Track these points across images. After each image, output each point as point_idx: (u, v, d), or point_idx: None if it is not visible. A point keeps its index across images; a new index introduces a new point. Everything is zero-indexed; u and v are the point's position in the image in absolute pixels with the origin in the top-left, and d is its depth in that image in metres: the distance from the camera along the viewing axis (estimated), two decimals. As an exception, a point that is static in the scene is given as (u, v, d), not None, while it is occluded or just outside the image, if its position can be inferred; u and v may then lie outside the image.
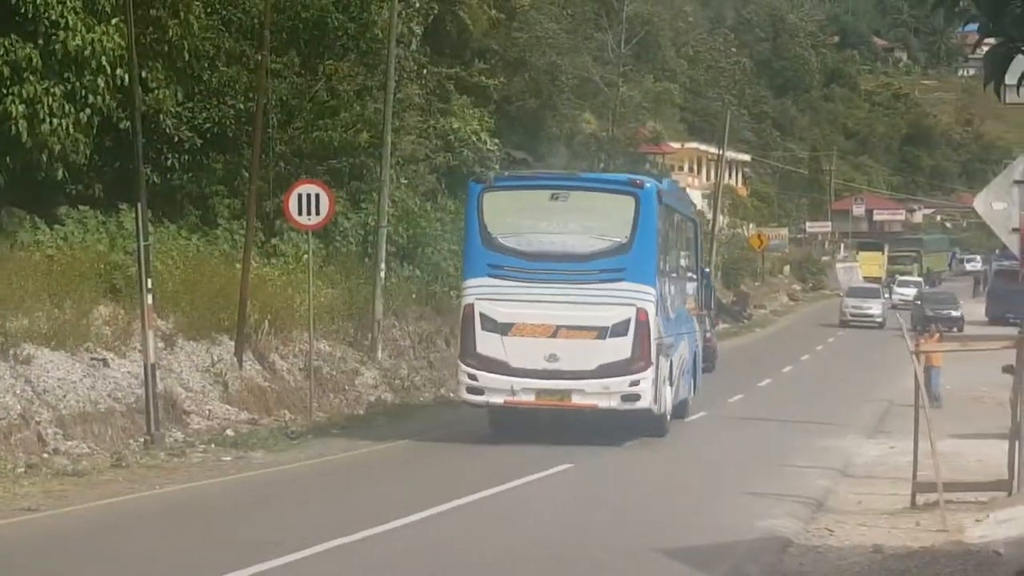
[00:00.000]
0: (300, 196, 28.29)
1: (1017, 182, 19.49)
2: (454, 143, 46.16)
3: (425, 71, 43.53)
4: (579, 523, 17.60)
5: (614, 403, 25.06)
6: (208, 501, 19.13)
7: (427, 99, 44.70)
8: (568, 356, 24.82)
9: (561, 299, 24.86)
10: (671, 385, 27.30)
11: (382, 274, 34.21)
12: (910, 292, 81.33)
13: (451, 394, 34.44)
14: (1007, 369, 23.00)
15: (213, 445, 24.18)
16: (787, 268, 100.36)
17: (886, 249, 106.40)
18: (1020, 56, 8.20)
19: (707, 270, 34.91)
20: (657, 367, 25.42)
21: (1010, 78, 8.55)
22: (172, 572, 13.91)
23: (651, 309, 25.09)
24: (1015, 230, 18.98)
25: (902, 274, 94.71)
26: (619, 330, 24.87)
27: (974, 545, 15.95)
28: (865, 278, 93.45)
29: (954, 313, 64.10)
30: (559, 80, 60.17)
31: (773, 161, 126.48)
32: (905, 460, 20.44)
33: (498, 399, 25.22)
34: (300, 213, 28.29)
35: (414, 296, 37.03)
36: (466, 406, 26.29)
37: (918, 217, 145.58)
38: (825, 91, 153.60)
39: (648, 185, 25.73)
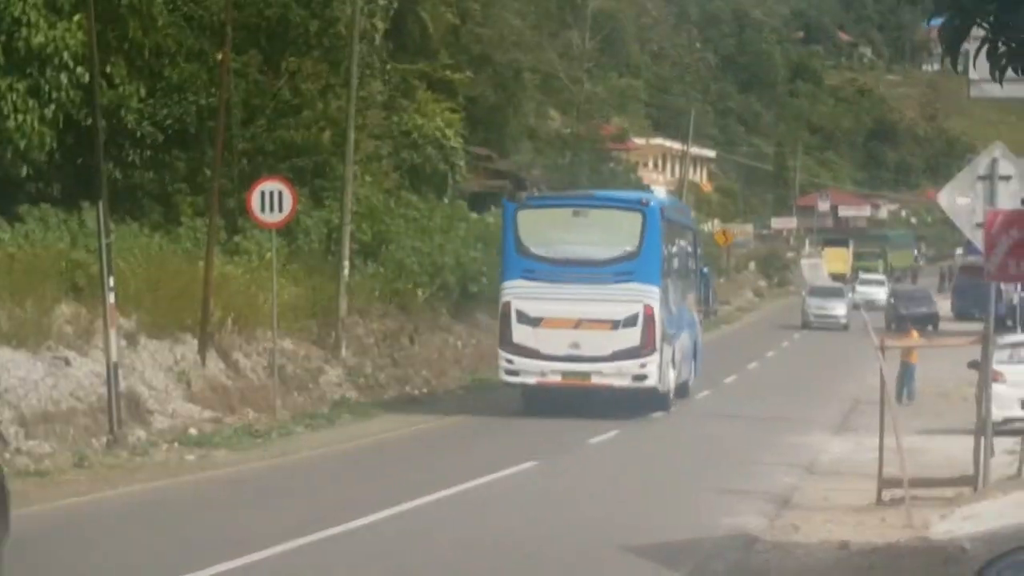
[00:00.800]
0: (263, 193, 28.16)
1: (981, 177, 19.51)
2: (418, 140, 46.03)
3: (388, 67, 43.35)
4: (547, 520, 17.54)
5: (626, 382, 29.52)
6: (171, 501, 19.01)
7: (391, 96, 44.53)
8: (588, 344, 29.35)
9: (582, 297, 29.38)
10: (674, 368, 31.69)
11: (346, 272, 34.06)
12: (872, 291, 79.00)
13: (416, 391, 34.42)
14: (972, 365, 23.07)
15: (176, 444, 24.03)
16: (752, 264, 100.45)
17: (851, 245, 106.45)
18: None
19: (706, 270, 39.34)
20: (661, 353, 29.87)
21: (976, 69, 8.48)
22: (134, 572, 13.79)
23: (656, 305, 29.66)
24: (979, 225, 18.98)
25: (867, 270, 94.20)
26: (629, 322, 29.41)
27: (939, 541, 15.94)
28: (831, 274, 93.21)
29: (929, 311, 63.53)
30: (523, 76, 60.07)
31: (738, 157, 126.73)
32: (871, 456, 20.41)
33: (531, 380, 29.76)
34: (263, 210, 28.17)
35: (378, 294, 36.87)
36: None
37: (883, 213, 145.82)
38: (790, 86, 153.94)
39: (653, 203, 31.10)
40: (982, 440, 19.36)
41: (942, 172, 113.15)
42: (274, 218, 28.32)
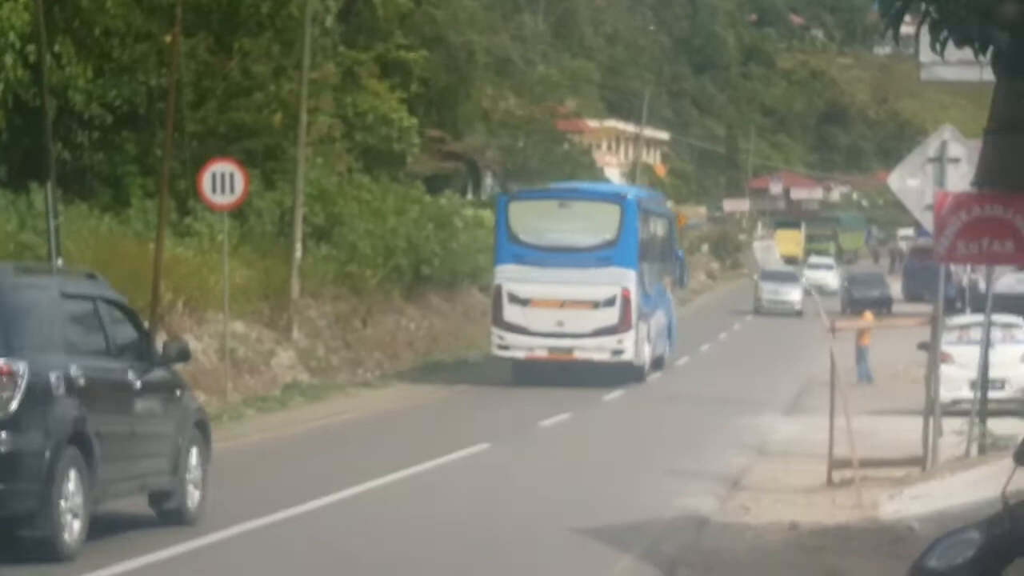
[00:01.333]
0: (214, 175, 28.01)
1: (931, 159, 19.60)
2: (371, 122, 45.84)
3: (341, 48, 43.13)
4: (498, 503, 17.52)
5: (605, 357, 32.60)
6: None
7: (343, 78, 44.31)
8: (571, 322, 32.42)
9: (566, 280, 32.32)
10: (649, 343, 34.73)
11: (298, 254, 33.95)
12: (821, 275, 77.94)
13: (368, 374, 34.36)
14: (922, 346, 23.18)
15: (126, 427, 23.85)
16: (705, 246, 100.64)
17: (804, 227, 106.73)
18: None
19: (681, 253, 42.97)
20: (637, 330, 32.96)
21: (925, 52, 8.49)
22: (82, 550, 13.69)
23: (632, 287, 32.78)
24: (929, 207, 19.06)
25: (819, 252, 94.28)
26: (609, 302, 32.50)
27: (888, 521, 16.03)
28: (783, 256, 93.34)
29: (882, 294, 63.80)
30: (476, 58, 59.91)
31: (692, 139, 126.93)
32: (822, 437, 20.49)
33: (520, 354, 32.87)
34: (214, 192, 28.03)
35: (330, 276, 36.74)
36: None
37: (835, 195, 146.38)
38: (743, 69, 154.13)
39: (630, 196, 34.92)
40: (931, 421, 19.47)
41: (893, 155, 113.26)
42: (225, 200, 28.20)
